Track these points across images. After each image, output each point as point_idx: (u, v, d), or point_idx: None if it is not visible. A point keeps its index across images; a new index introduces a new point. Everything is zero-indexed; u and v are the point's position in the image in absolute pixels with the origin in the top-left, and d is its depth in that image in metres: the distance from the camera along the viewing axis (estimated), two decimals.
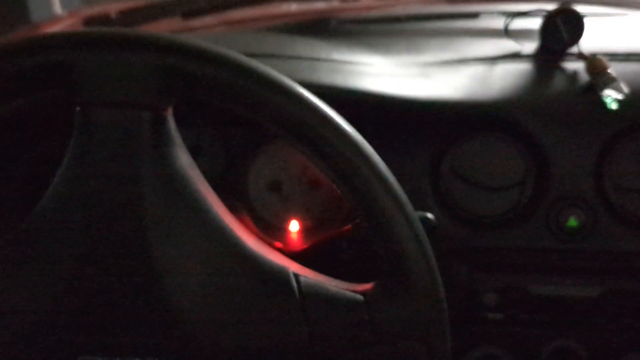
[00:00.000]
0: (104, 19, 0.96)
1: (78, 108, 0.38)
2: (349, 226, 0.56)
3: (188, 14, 0.90)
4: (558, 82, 0.64)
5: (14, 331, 0.39)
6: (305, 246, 0.63)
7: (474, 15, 0.84)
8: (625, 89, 0.59)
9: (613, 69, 0.61)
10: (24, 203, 0.61)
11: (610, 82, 0.60)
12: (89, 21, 0.97)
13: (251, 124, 0.64)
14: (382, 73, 0.65)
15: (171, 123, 0.40)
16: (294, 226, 0.68)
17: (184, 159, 0.40)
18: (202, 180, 0.41)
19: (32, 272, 0.39)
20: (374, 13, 0.94)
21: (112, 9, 1.09)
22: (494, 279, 0.62)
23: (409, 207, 0.40)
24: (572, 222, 0.60)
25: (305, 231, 0.68)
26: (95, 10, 1.17)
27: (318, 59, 0.66)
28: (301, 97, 0.38)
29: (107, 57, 0.37)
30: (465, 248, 0.61)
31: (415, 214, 0.40)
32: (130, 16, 0.93)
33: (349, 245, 0.59)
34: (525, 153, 0.61)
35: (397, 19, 0.82)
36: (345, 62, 0.66)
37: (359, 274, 0.45)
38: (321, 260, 0.46)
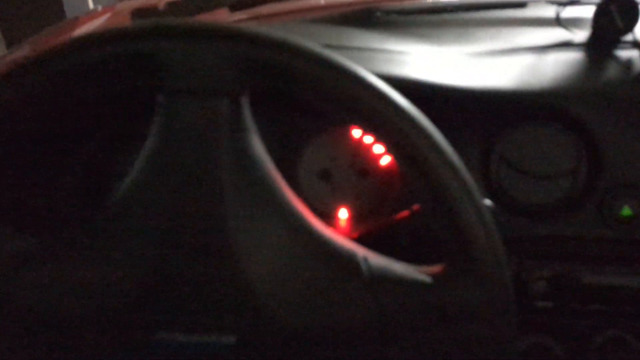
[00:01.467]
0: (152, 11, 0.98)
1: (162, 95, 0.40)
2: (405, 213, 0.57)
3: (235, 6, 0.91)
4: (611, 71, 0.63)
5: (97, 308, 0.41)
6: (354, 234, 0.64)
7: (522, 5, 0.83)
8: None
9: None
10: (94, 186, 0.64)
11: None
12: (136, 13, 0.99)
13: (303, 114, 0.66)
14: (433, 63, 0.65)
15: (247, 109, 0.41)
16: (343, 214, 0.69)
17: (258, 144, 0.41)
18: (273, 166, 0.42)
19: (117, 252, 0.41)
20: (418, 3, 0.94)
21: (155, 1, 1.12)
22: (544, 268, 0.62)
23: (477, 192, 0.40)
24: (626, 211, 0.59)
25: (354, 219, 0.69)
26: (139, 2, 1.20)
27: (373, 50, 0.66)
28: (377, 87, 0.39)
29: (189, 47, 0.39)
30: (516, 236, 0.61)
31: (482, 200, 0.41)
32: (177, 8, 0.95)
33: (406, 231, 0.60)
34: (578, 141, 0.61)
35: (444, 9, 0.82)
36: (397, 52, 0.67)
37: (415, 260, 0.46)
38: (375, 247, 0.47)
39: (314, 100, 0.40)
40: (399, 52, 0.67)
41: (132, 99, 0.56)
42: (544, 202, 0.62)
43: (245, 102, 0.41)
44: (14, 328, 0.41)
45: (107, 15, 1.12)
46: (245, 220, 0.40)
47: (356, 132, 0.67)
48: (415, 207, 0.58)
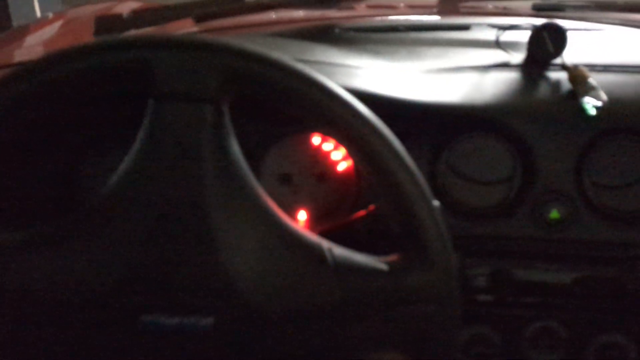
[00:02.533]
0: (116, 19, 1.00)
1: (151, 100, 0.44)
2: (360, 213, 0.63)
3: (200, 17, 0.95)
4: (543, 90, 0.70)
5: (85, 293, 0.44)
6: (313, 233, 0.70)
7: (466, 27, 0.90)
8: (603, 97, 0.66)
9: (593, 78, 0.68)
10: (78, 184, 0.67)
11: (590, 90, 0.67)
12: (100, 21, 1.01)
13: (266, 121, 0.71)
14: (387, 78, 0.71)
15: (228, 115, 0.46)
16: (302, 215, 0.74)
17: (236, 147, 0.46)
18: (248, 167, 0.47)
19: (104, 242, 0.44)
20: (373, 22, 1.00)
21: (117, 10, 1.14)
22: (484, 264, 0.68)
23: (429, 193, 0.47)
24: (555, 214, 0.67)
25: (312, 220, 0.74)
26: (98, 9, 1.21)
27: (333, 64, 0.72)
28: (343, 98, 0.46)
29: (179, 57, 0.44)
30: (459, 236, 0.67)
31: (433, 200, 0.47)
32: (142, 17, 0.98)
33: (361, 229, 0.65)
34: (514, 152, 0.68)
35: (396, 29, 0.89)
36: (355, 67, 0.72)
37: (372, 253, 0.52)
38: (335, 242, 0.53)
39: (288, 108, 0.46)
40: (357, 67, 0.73)
41: (119, 103, 0.60)
42: (483, 206, 0.68)
43: (226, 108, 0.46)
44: (3, 313, 0.44)
45: (59, 22, 1.13)
46: (225, 214, 0.45)
47: (316, 139, 0.73)
48: (371, 207, 0.64)
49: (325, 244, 0.48)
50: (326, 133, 0.48)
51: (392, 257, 0.48)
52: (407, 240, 0.47)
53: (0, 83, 0.44)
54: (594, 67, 0.72)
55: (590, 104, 0.65)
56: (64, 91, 0.45)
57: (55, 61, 0.44)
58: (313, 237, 0.48)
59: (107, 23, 1.00)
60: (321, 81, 0.45)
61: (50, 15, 1.24)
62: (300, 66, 0.45)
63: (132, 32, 0.94)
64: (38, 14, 2.37)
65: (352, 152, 0.48)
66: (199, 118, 0.44)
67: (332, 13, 1.07)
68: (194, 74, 0.44)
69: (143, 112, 0.46)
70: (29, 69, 0.44)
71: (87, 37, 0.96)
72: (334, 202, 0.74)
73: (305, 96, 0.45)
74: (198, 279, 0.45)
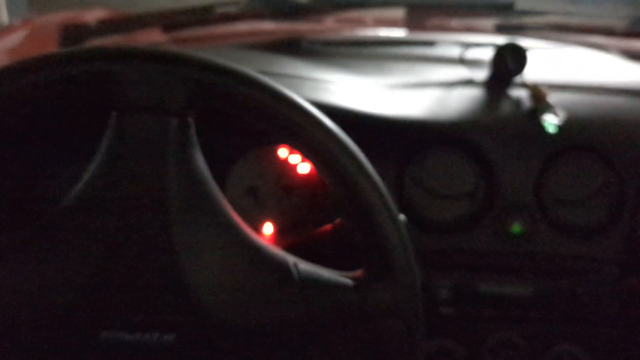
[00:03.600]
0: (82, 27, 0.99)
1: (114, 112, 0.44)
2: (327, 227, 0.63)
3: (167, 27, 0.95)
4: (505, 107, 0.72)
5: (43, 307, 0.43)
6: (279, 246, 0.70)
7: (431, 44, 0.93)
8: (562, 115, 0.68)
9: (552, 97, 0.70)
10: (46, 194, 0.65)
11: (548, 108, 0.69)
12: (65, 29, 1.00)
13: (232, 134, 0.71)
14: (354, 92, 0.72)
15: (193, 128, 0.46)
16: (268, 228, 0.74)
17: (201, 160, 0.46)
18: (212, 180, 0.47)
19: (63, 255, 0.43)
20: (340, 35, 1.02)
21: (84, 18, 1.12)
22: (447, 277, 0.70)
23: (394, 208, 0.47)
24: (515, 228, 0.69)
25: (278, 233, 0.74)
26: (65, 17, 1.20)
27: (300, 77, 0.73)
28: (310, 112, 0.46)
29: (145, 69, 0.43)
30: (423, 249, 0.69)
31: (398, 214, 0.48)
32: (109, 25, 0.97)
33: (327, 243, 0.66)
34: (476, 167, 0.70)
35: (363, 43, 0.90)
36: (322, 81, 0.73)
37: (335, 268, 0.52)
38: (299, 257, 0.53)
39: (254, 121, 0.46)
40: (324, 81, 0.74)
41: (82, 114, 0.59)
42: (447, 219, 0.70)
43: (191, 121, 0.46)
44: None
45: (27, 29, 1.11)
46: (188, 228, 0.45)
47: (282, 152, 0.73)
48: (337, 221, 0.64)
49: (290, 259, 0.48)
50: (291, 146, 0.48)
51: (357, 272, 0.49)
52: (372, 255, 0.48)
53: None
54: (553, 86, 0.74)
55: (549, 122, 0.68)
56: (24, 102, 0.44)
57: (15, 73, 0.43)
58: (278, 252, 0.48)
59: (73, 32, 0.99)
60: (287, 95, 0.46)
61: (18, 22, 1.22)
62: (266, 79, 0.45)
63: (99, 41, 0.93)
64: (5, 20, 2.32)
65: (316, 166, 0.48)
66: (163, 131, 0.44)
67: (301, 26, 1.09)
68: (158, 86, 0.44)
69: (106, 124, 0.45)
70: None
71: (53, 45, 0.95)
72: (301, 215, 0.74)
73: (270, 109, 0.45)
74: (159, 294, 0.44)
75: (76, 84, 0.43)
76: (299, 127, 0.46)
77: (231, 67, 0.45)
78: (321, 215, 0.72)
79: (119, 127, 0.44)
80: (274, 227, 0.74)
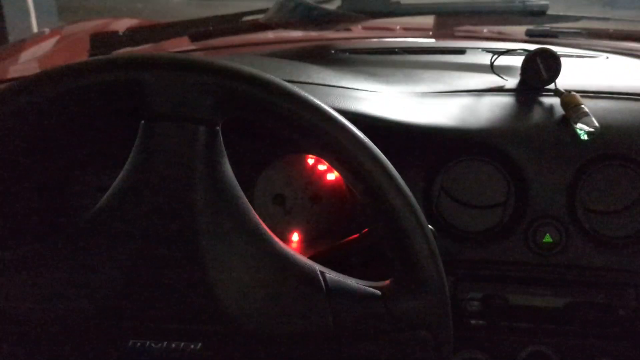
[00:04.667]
0: (112, 36, 1.01)
1: (142, 121, 0.44)
2: (354, 236, 0.63)
3: (195, 36, 0.95)
4: (537, 115, 0.71)
5: (72, 316, 0.43)
6: (306, 255, 0.69)
7: (461, 51, 0.91)
8: (595, 123, 0.66)
9: (585, 104, 0.69)
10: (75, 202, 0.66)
11: (582, 116, 0.67)
12: (96, 38, 1.02)
13: (259, 141, 0.71)
14: (383, 100, 0.72)
15: (220, 137, 0.46)
16: (294, 237, 0.74)
17: (228, 169, 0.46)
18: (240, 189, 0.47)
19: (91, 265, 0.44)
20: (368, 43, 1.01)
21: (113, 27, 1.14)
22: (478, 289, 0.68)
23: (424, 218, 0.46)
24: (547, 239, 0.67)
25: (305, 242, 0.74)
26: (94, 26, 1.22)
27: (328, 85, 0.72)
28: (340, 121, 0.45)
29: (169, 77, 0.43)
30: (453, 260, 0.68)
31: (427, 224, 0.47)
32: (138, 34, 0.99)
33: (354, 252, 0.65)
34: (508, 176, 0.68)
35: (392, 51, 0.90)
36: (351, 89, 0.73)
37: (361, 278, 0.51)
38: (326, 267, 0.52)
39: (280, 129, 0.46)
40: (352, 89, 0.73)
41: (112, 122, 0.59)
42: (477, 230, 0.68)
43: (219, 129, 0.45)
44: None
45: (57, 38, 1.13)
46: (215, 237, 0.44)
47: (310, 160, 0.73)
48: (364, 231, 0.64)
49: (317, 268, 0.48)
50: (319, 155, 0.48)
51: (385, 283, 0.48)
52: (400, 266, 0.47)
53: None
54: (586, 94, 0.73)
55: (583, 130, 0.66)
56: (54, 110, 0.44)
57: (42, 82, 0.44)
58: (306, 261, 0.48)
59: (102, 40, 1.00)
60: (315, 103, 0.45)
61: (47, 31, 1.24)
62: (294, 88, 0.45)
63: (127, 50, 0.94)
64: (35, 29, 2.37)
65: (344, 176, 0.47)
66: (191, 139, 0.44)
67: (329, 34, 1.08)
68: (187, 94, 0.43)
69: (135, 132, 0.45)
70: (17, 88, 0.44)
71: (83, 53, 0.97)
72: (328, 224, 0.73)
73: (298, 118, 0.45)
74: (186, 303, 0.44)
75: (103, 92, 0.43)
76: (326, 136, 0.45)
77: (259, 74, 0.45)
78: (348, 224, 0.72)
79: (147, 136, 0.44)
80: (301, 235, 0.73)
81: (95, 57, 0.44)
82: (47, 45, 1.11)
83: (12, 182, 0.64)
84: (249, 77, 0.44)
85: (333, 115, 0.45)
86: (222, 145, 0.46)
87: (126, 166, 0.45)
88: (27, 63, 1.02)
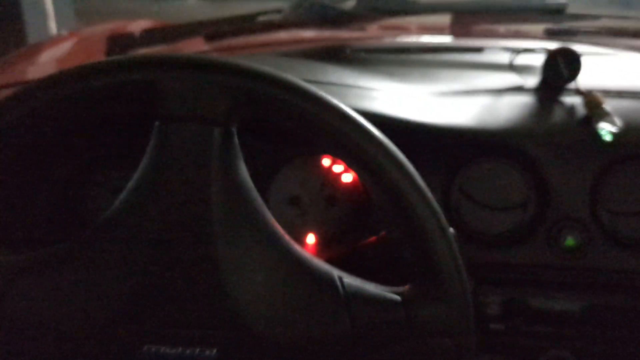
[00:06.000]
0: (128, 37, 1.01)
1: (157, 122, 0.43)
2: (371, 239, 0.62)
3: (210, 36, 0.95)
4: (558, 115, 0.70)
5: (87, 321, 0.43)
6: (322, 258, 0.69)
7: (479, 50, 0.90)
8: (619, 123, 0.65)
9: (607, 104, 0.67)
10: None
11: (605, 116, 0.66)
12: (112, 39, 1.02)
13: (275, 142, 0.70)
14: (400, 100, 0.70)
15: (236, 138, 0.45)
16: (310, 239, 0.73)
17: (244, 171, 0.45)
18: (256, 191, 0.46)
19: (106, 268, 0.43)
20: (384, 42, 1.00)
21: (129, 28, 1.14)
22: (497, 292, 0.67)
23: (444, 221, 0.45)
24: (570, 241, 0.65)
25: (321, 244, 0.73)
26: (111, 28, 1.22)
27: (345, 85, 0.72)
28: (358, 122, 0.44)
29: (188, 77, 0.43)
30: (472, 263, 0.66)
31: (448, 227, 0.45)
32: (154, 35, 0.98)
33: (371, 256, 0.64)
34: (528, 177, 0.67)
35: (408, 50, 0.88)
36: (367, 89, 0.72)
37: (378, 282, 0.50)
38: (345, 269, 0.51)
39: (297, 130, 0.45)
40: (369, 89, 0.72)
41: (126, 123, 0.59)
42: (497, 232, 0.67)
43: (234, 130, 0.45)
44: (4, 339, 0.42)
45: (74, 40, 1.14)
46: (231, 240, 0.44)
47: (326, 161, 0.72)
48: (382, 234, 0.63)
49: (335, 272, 0.47)
50: (337, 156, 0.47)
51: (405, 288, 0.47)
52: (421, 270, 0.46)
53: (3, 102, 0.43)
54: (608, 93, 0.71)
55: (606, 130, 0.65)
56: (69, 111, 0.44)
57: (58, 81, 0.43)
58: (323, 265, 0.47)
59: (119, 41, 1.00)
60: (334, 104, 0.44)
61: (65, 33, 1.25)
62: (313, 88, 0.44)
63: (144, 51, 0.94)
64: (54, 31, 2.39)
65: (364, 178, 0.46)
66: (207, 141, 0.43)
67: (343, 34, 1.08)
68: (202, 95, 0.43)
69: (149, 134, 0.45)
70: (31, 89, 0.43)
71: (100, 55, 0.97)
72: (344, 226, 0.72)
73: (316, 119, 0.44)
74: (201, 308, 0.43)
75: (118, 93, 0.43)
76: (345, 137, 0.44)
77: (275, 74, 0.44)
78: (364, 226, 0.71)
79: (162, 137, 0.43)
80: (316, 237, 0.72)
81: (111, 58, 0.44)
82: (64, 47, 1.11)
83: (26, 184, 0.64)
84: (265, 77, 0.43)
85: (352, 116, 0.44)
86: (238, 146, 0.45)
87: (140, 168, 0.44)
88: (45, 65, 1.02)
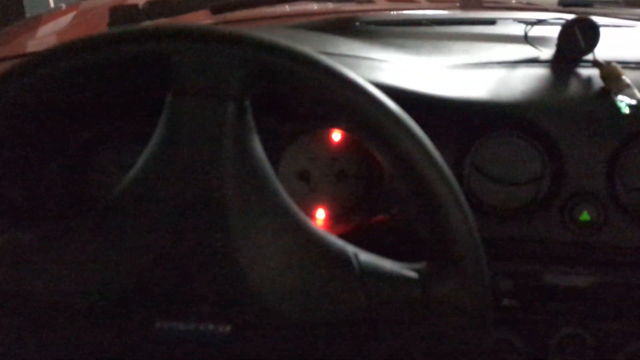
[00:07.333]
0: (132, 10, 0.98)
1: (169, 95, 0.42)
2: (383, 215, 0.60)
3: (216, 9, 0.93)
4: (574, 87, 0.68)
5: (99, 297, 0.42)
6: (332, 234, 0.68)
7: (491, 22, 0.88)
8: (638, 95, 0.63)
9: (626, 76, 0.65)
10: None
11: (624, 88, 0.64)
12: (115, 12, 1.00)
13: (284, 116, 0.69)
14: (412, 72, 0.69)
15: (250, 112, 0.43)
16: (320, 214, 0.72)
17: (258, 146, 0.44)
18: (270, 166, 0.45)
19: (118, 244, 0.42)
20: (393, 16, 0.97)
21: (133, 1, 1.12)
22: (510, 268, 0.66)
23: (462, 196, 0.44)
24: (585, 216, 0.64)
25: (331, 220, 0.72)
26: (110, 0, 1.20)
27: (356, 57, 0.70)
28: (374, 95, 0.43)
29: (200, 50, 0.41)
30: (485, 238, 0.65)
31: (466, 202, 0.44)
32: (158, 7, 0.96)
33: (384, 232, 0.63)
34: (543, 151, 0.65)
35: (419, 22, 0.86)
36: (379, 60, 0.70)
37: (394, 259, 0.49)
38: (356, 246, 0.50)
39: (311, 103, 0.43)
40: (380, 60, 0.70)
41: (135, 97, 0.57)
42: (511, 207, 0.66)
43: (248, 104, 0.43)
44: (17, 316, 0.42)
45: (73, 13, 1.12)
46: (245, 215, 0.42)
47: (336, 136, 0.70)
48: (394, 210, 0.61)
49: (350, 248, 0.45)
50: (352, 129, 0.45)
51: (422, 265, 0.46)
52: (438, 247, 0.45)
53: (7, 74, 0.42)
54: (626, 65, 0.69)
55: (624, 103, 0.63)
56: (75, 85, 0.42)
57: (66, 52, 0.41)
58: (338, 241, 0.46)
59: (122, 14, 0.98)
60: (350, 76, 0.43)
61: (64, 6, 1.22)
62: (328, 60, 0.43)
63: (147, 24, 0.92)
64: (52, 4, 2.36)
65: (378, 150, 0.45)
66: (221, 115, 0.42)
67: (351, 6, 1.05)
68: (216, 68, 0.41)
69: (160, 108, 0.43)
70: (37, 60, 0.42)
71: (102, 28, 0.95)
72: (354, 201, 0.71)
73: (332, 91, 0.42)
74: (215, 284, 0.42)
75: (129, 65, 0.41)
76: (362, 110, 0.42)
77: (291, 46, 0.42)
78: (375, 202, 0.69)
79: (174, 111, 0.42)
80: (326, 212, 0.71)
81: (121, 28, 0.42)
82: (64, 20, 1.09)
83: (34, 159, 0.63)
84: (282, 49, 0.42)
85: (368, 88, 0.43)
86: (252, 121, 0.44)
87: (152, 141, 0.43)
88: (44, 38, 1.00)
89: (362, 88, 0.43)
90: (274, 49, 0.42)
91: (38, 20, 1.11)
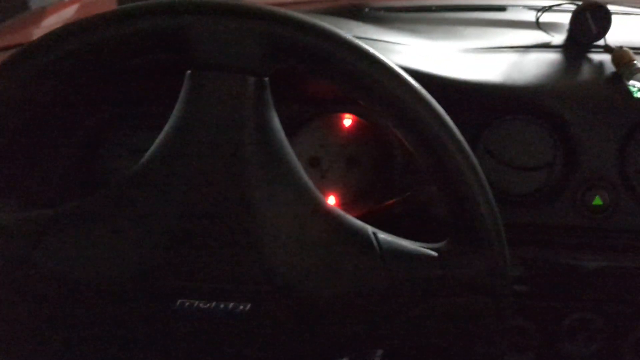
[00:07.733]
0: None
1: (189, 70, 0.41)
2: (396, 199, 0.60)
3: None
4: (586, 72, 0.68)
5: (119, 276, 0.42)
6: None
7: (502, 9, 0.88)
8: None
9: (637, 61, 0.65)
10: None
11: (636, 72, 0.64)
12: (123, 2, 0.99)
13: (295, 101, 0.68)
14: (425, 55, 0.68)
15: (269, 89, 0.43)
16: (330, 201, 0.72)
17: (277, 122, 0.44)
18: (288, 144, 0.44)
19: (137, 222, 0.42)
20: (402, 2, 0.97)
21: None
22: (522, 253, 0.66)
23: (484, 177, 0.44)
24: (597, 201, 0.64)
25: (342, 206, 0.72)
26: None
27: (368, 39, 0.69)
28: (396, 73, 0.43)
29: (219, 23, 0.40)
30: None
31: (487, 183, 0.44)
32: None
33: (398, 216, 0.63)
34: (555, 136, 0.65)
35: (428, 9, 0.86)
36: (392, 43, 0.70)
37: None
38: None
39: (332, 81, 0.43)
40: (393, 43, 0.70)
41: (155, 73, 0.57)
42: (523, 192, 0.66)
43: (267, 81, 0.43)
44: (34, 296, 0.42)
45: (77, 5, 1.11)
46: (265, 192, 0.42)
47: (347, 121, 0.70)
48: (408, 194, 0.61)
49: (369, 228, 0.45)
50: (372, 107, 0.45)
51: (442, 244, 0.46)
52: (459, 226, 0.44)
53: (21, 53, 0.41)
54: (638, 50, 0.69)
55: (637, 87, 0.63)
56: (91, 62, 0.41)
57: (79, 29, 0.41)
58: (357, 221, 0.46)
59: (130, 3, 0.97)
60: (374, 54, 0.42)
61: None
62: (350, 37, 0.42)
63: None
64: None
65: (399, 129, 0.44)
66: (241, 90, 0.41)
67: None
68: (237, 42, 0.41)
69: (170, 87, 0.43)
70: (54, 37, 0.41)
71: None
72: (364, 187, 0.71)
73: (354, 69, 0.42)
74: (235, 262, 0.42)
75: (147, 40, 0.41)
76: (384, 89, 0.42)
77: (314, 21, 0.41)
78: (386, 188, 0.69)
79: (194, 86, 0.42)
80: (337, 199, 0.71)
81: (136, 3, 0.41)
82: (68, 12, 1.09)
83: (48, 141, 0.62)
84: (305, 24, 0.41)
85: (392, 67, 0.42)
86: (270, 97, 0.44)
87: (172, 117, 0.42)
88: (48, 30, 1.00)
89: (386, 66, 0.42)
90: (295, 24, 0.41)
91: (42, 13, 1.11)
